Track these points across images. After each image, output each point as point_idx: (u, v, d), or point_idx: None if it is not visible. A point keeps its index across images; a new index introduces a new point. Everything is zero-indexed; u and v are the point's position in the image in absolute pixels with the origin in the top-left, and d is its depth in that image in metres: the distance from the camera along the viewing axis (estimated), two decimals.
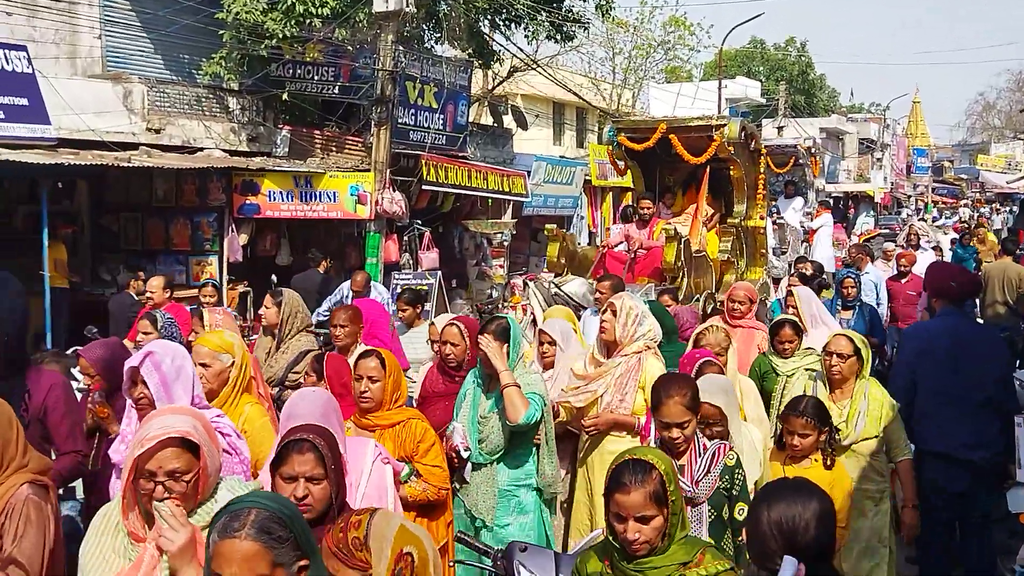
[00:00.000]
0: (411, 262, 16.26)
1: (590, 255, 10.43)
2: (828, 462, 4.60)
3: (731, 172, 10.57)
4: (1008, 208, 35.99)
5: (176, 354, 4.01)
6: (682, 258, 9.10)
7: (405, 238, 16.38)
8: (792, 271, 12.88)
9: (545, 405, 5.05)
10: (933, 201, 49.32)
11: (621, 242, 10.26)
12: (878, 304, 11.37)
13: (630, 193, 12.55)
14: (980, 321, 11.53)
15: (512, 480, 5.09)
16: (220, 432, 3.75)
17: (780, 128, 35.57)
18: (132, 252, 15.18)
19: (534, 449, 5.16)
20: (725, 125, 10.14)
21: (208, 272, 14.58)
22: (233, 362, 4.70)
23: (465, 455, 5.01)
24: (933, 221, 38.45)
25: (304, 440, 3.15)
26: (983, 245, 17.56)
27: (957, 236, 20.38)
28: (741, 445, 4.52)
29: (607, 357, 5.59)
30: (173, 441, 2.95)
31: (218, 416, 3.97)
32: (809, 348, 6.47)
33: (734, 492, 4.08)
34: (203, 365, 4.57)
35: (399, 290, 14.41)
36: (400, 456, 4.37)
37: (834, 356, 5.25)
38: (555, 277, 9.72)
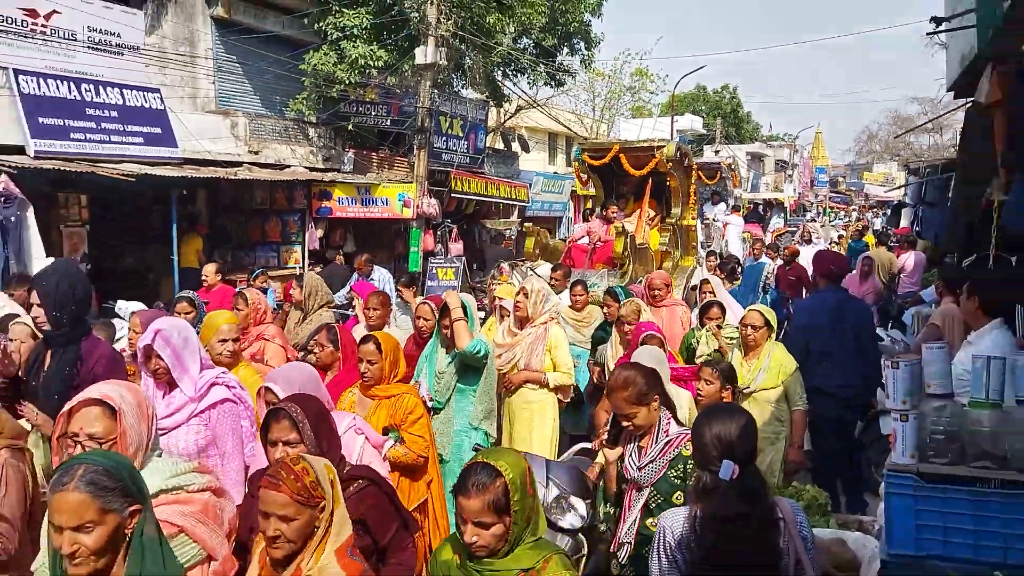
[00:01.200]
0: (443, 251, 16.24)
1: (559, 247, 10.12)
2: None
3: (669, 183, 10.32)
4: (884, 212, 35.77)
5: (181, 327, 3.67)
6: (628, 249, 8.86)
7: (438, 233, 16.35)
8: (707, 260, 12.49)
9: (490, 354, 4.81)
10: (830, 207, 48.98)
11: (583, 237, 10.01)
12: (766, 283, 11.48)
13: (590, 200, 12.25)
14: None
15: (463, 425, 4.81)
16: (227, 385, 3.65)
17: (717, 151, 35.35)
18: (238, 243, 15.24)
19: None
20: (664, 146, 9.89)
21: (294, 258, 14.64)
22: (237, 338, 4.44)
23: (429, 404, 4.71)
24: (829, 221, 38.23)
25: (280, 409, 2.86)
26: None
27: (845, 233, 20.29)
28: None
29: (521, 329, 5.48)
30: (96, 406, 2.56)
31: (223, 372, 3.75)
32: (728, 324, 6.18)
33: (688, 481, 3.15)
34: (231, 340, 4.36)
35: (433, 270, 14.55)
36: (391, 423, 4.00)
37: (748, 327, 5.12)
38: (530, 263, 9.47)
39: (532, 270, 8.99)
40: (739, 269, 12.07)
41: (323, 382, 3.94)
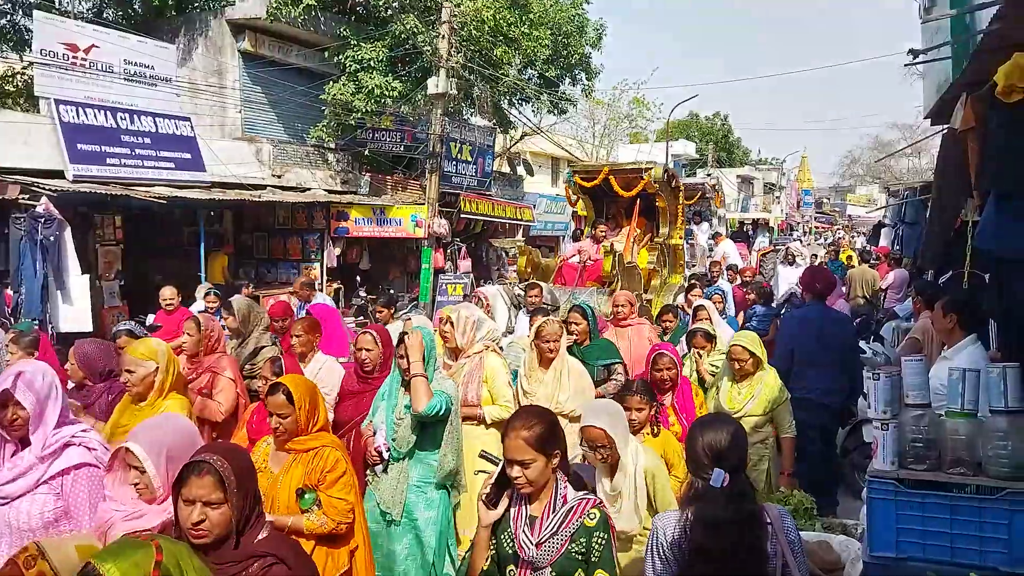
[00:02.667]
0: (452, 268, 16.27)
1: (551, 265, 9.76)
2: (655, 431, 3.95)
3: (658, 203, 10.08)
4: (863, 232, 35.77)
5: (46, 372, 2.95)
6: (616, 268, 8.63)
7: (448, 251, 16.39)
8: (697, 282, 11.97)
9: (453, 405, 3.97)
10: (816, 227, 48.97)
11: (574, 256, 9.72)
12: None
13: (582, 219, 11.86)
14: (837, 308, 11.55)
15: (422, 477, 3.95)
16: (86, 446, 2.92)
17: (708, 174, 35.37)
18: (261, 260, 15.28)
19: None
20: (652, 168, 9.63)
21: (313, 274, 14.66)
22: (157, 367, 3.78)
23: (387, 455, 3.96)
24: (815, 240, 38.18)
25: (204, 463, 2.25)
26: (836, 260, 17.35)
27: (826, 252, 20.05)
28: (627, 465, 3.25)
29: (455, 360, 4.64)
30: None
31: (83, 431, 2.98)
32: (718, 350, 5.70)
33: (592, 558, 2.54)
34: (128, 371, 3.76)
35: (443, 286, 14.56)
36: (307, 483, 3.26)
37: (735, 362, 4.79)
38: (521, 283, 9.12)
39: (521, 289, 8.49)
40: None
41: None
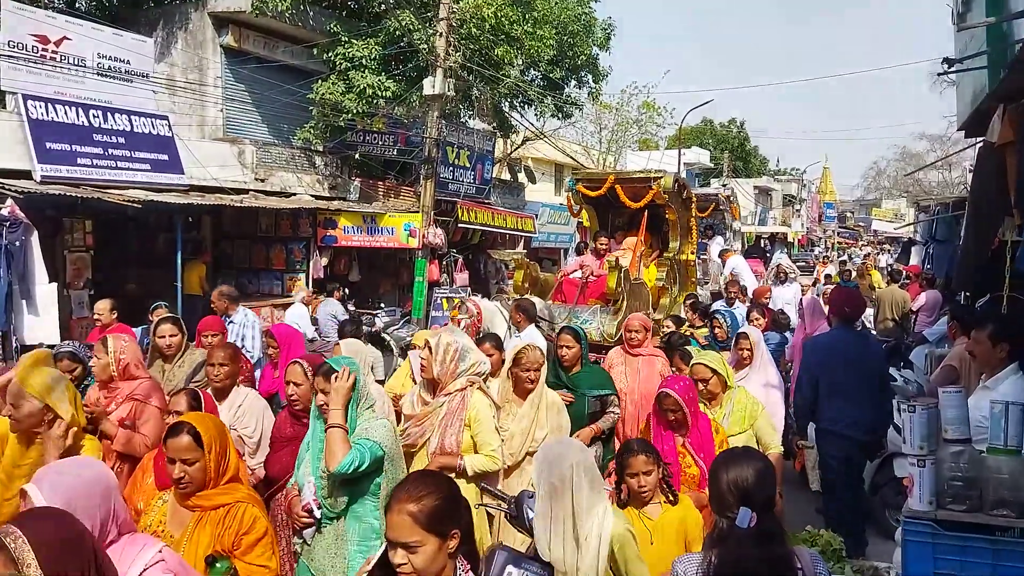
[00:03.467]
0: (448, 281, 16.27)
1: (550, 280, 9.55)
2: (671, 498, 3.49)
3: (667, 215, 9.89)
4: (892, 248, 35.83)
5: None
6: (622, 285, 8.37)
7: (444, 263, 16.39)
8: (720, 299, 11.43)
9: (383, 454, 3.44)
10: (838, 242, 49.14)
11: (576, 270, 9.50)
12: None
13: (588, 231, 11.58)
14: (872, 331, 11.51)
15: (363, 537, 3.45)
16: None
17: (723, 185, 35.51)
18: (242, 269, 15.29)
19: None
20: (662, 178, 9.44)
21: (298, 286, 14.65)
22: (43, 406, 3.42)
23: (318, 514, 3.46)
24: (837, 256, 38.24)
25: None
26: (863, 280, 17.12)
27: (839, 272, 19.76)
28: (589, 534, 2.87)
29: (433, 396, 4.13)
30: None
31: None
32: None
33: None
34: (11, 404, 3.50)
35: (438, 300, 14.56)
36: (219, 549, 2.85)
37: (699, 383, 4.62)
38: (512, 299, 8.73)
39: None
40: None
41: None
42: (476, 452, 4.05)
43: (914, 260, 17.61)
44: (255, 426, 4.53)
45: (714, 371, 4.73)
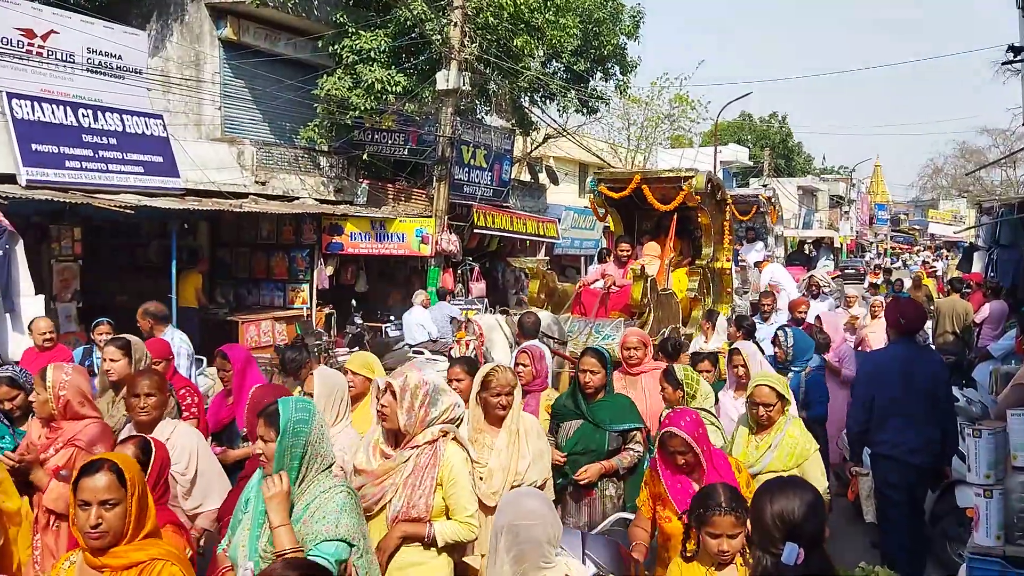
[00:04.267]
0: (463, 291, 16.29)
1: (569, 291, 9.48)
2: (748, 557, 3.06)
3: (700, 219, 9.83)
4: (952, 254, 35.49)
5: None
6: (648, 296, 8.30)
7: (459, 271, 16.42)
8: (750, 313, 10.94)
9: (351, 549, 2.96)
10: (892, 247, 48.80)
11: (597, 280, 9.41)
12: None
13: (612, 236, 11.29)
14: (931, 346, 11.36)
15: None
16: None
17: (764, 185, 35.35)
18: (241, 279, 15.42)
19: None
20: (693, 177, 9.35)
21: (301, 298, 14.74)
22: None
23: None
24: (891, 263, 37.92)
25: None
26: (918, 291, 16.78)
27: (884, 282, 19.30)
28: None
29: (396, 448, 3.62)
30: None
31: None
32: (699, 409, 4.92)
33: None
34: None
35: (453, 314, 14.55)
36: None
37: (760, 407, 4.43)
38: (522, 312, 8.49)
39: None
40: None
41: None
42: (448, 517, 3.59)
43: (976, 267, 17.41)
44: (187, 462, 4.10)
45: (780, 395, 4.45)
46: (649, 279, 8.51)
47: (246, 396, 4.88)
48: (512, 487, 4.05)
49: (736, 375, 5.55)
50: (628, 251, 9.41)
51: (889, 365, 5.59)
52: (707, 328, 8.32)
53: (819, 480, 4.42)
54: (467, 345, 8.91)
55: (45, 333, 7.07)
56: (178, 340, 6.95)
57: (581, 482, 4.69)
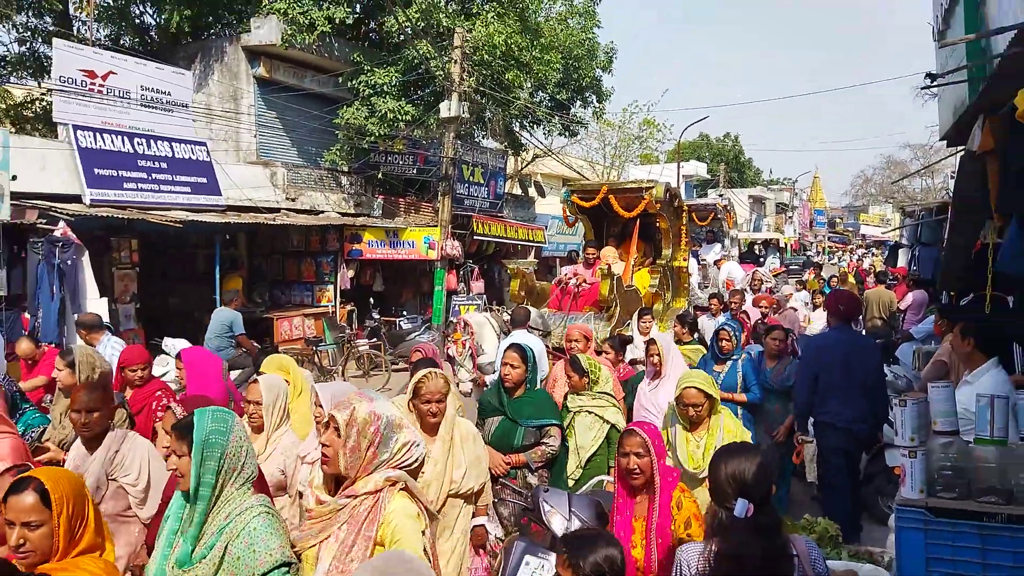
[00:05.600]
0: (465, 289, 16.27)
1: (547, 289, 9.27)
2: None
3: (659, 224, 9.68)
4: (881, 251, 35.56)
5: None
6: (615, 292, 8.13)
7: (461, 272, 16.41)
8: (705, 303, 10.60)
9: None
10: (828, 246, 48.84)
11: (571, 278, 9.19)
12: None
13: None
14: (863, 331, 11.39)
15: None
16: None
17: (721, 195, 35.35)
18: (275, 282, 15.37)
19: None
20: (653, 187, 9.18)
21: (327, 297, 14.72)
22: None
23: None
24: (828, 260, 37.94)
25: None
26: (844, 284, 16.78)
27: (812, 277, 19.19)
28: None
29: (331, 494, 2.55)
30: None
31: None
32: (603, 393, 4.96)
33: None
34: None
35: (456, 307, 14.55)
36: None
37: (690, 408, 4.05)
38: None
39: (510, 314, 7.56)
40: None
41: None
42: None
43: (901, 262, 17.44)
44: (138, 472, 3.52)
45: (708, 395, 4.05)
46: (615, 277, 8.39)
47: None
48: (448, 496, 3.55)
49: (653, 364, 5.29)
50: (594, 254, 9.34)
51: (830, 348, 5.61)
52: (680, 331, 7.71)
53: None
54: (463, 344, 8.51)
55: (23, 354, 6.44)
56: (110, 348, 6.18)
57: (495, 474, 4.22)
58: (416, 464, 2.61)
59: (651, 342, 5.41)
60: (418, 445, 2.63)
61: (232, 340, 9.48)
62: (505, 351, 4.54)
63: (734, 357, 6.09)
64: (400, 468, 2.54)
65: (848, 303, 5.88)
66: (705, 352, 6.58)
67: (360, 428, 2.48)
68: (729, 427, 4.13)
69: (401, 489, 2.51)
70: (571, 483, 4.66)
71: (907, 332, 10.27)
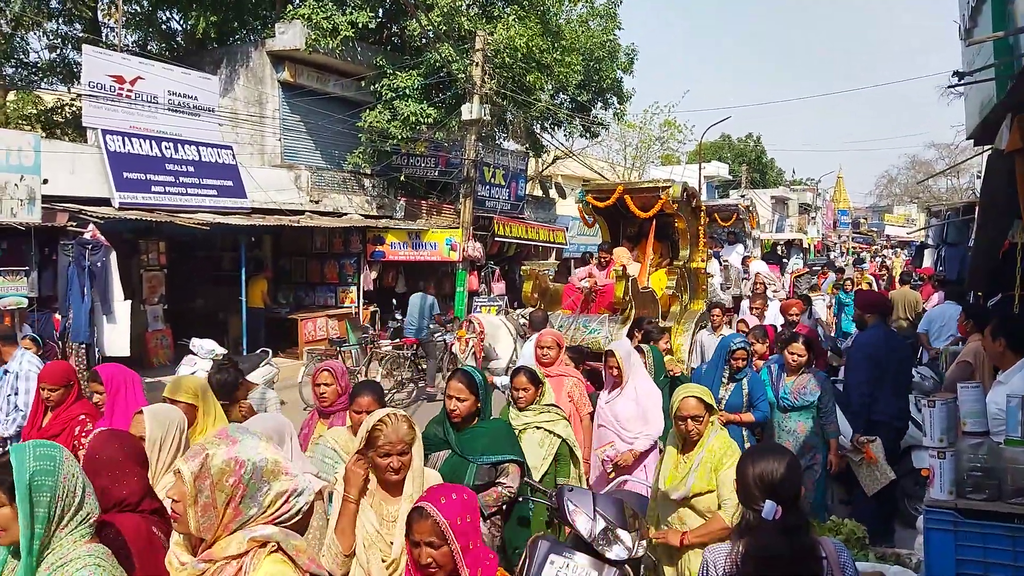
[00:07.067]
0: (486, 290, 16.28)
1: (560, 290, 9.08)
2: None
3: (677, 224, 9.48)
4: (906, 251, 35.08)
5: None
6: (630, 293, 7.91)
7: (482, 274, 16.44)
8: (731, 304, 10.40)
9: None
10: (853, 247, 48.29)
11: (585, 279, 9.07)
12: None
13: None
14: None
15: None
16: None
17: (743, 196, 35.08)
18: (299, 283, 15.51)
19: None
20: (670, 187, 8.97)
21: (350, 298, 14.81)
22: None
23: None
24: (853, 260, 37.45)
25: None
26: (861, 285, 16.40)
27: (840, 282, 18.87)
28: None
29: (195, 555, 2.04)
30: None
31: None
32: (549, 405, 4.40)
33: None
34: None
35: (477, 308, 14.56)
36: None
37: (688, 421, 3.53)
38: (525, 309, 8.20)
39: (524, 316, 7.24)
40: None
41: None
42: None
43: (927, 263, 17.21)
44: None
45: (707, 406, 3.57)
46: (630, 279, 8.19)
47: (119, 421, 3.70)
48: None
49: (612, 375, 4.97)
50: (608, 256, 9.23)
51: (878, 345, 5.56)
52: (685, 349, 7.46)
53: (728, 497, 3.36)
54: (467, 343, 8.57)
55: None
56: (27, 364, 5.64)
57: None
58: (299, 516, 2.10)
59: (610, 353, 5.01)
60: (300, 494, 2.08)
61: (432, 320, 11.32)
62: (448, 381, 3.74)
63: (740, 376, 5.57)
64: (277, 523, 2.03)
65: (879, 299, 5.87)
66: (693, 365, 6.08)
67: (215, 480, 1.95)
68: (713, 448, 3.51)
69: (274, 551, 1.98)
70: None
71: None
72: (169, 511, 2.05)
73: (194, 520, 1.95)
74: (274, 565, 1.96)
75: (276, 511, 2.02)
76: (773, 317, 9.33)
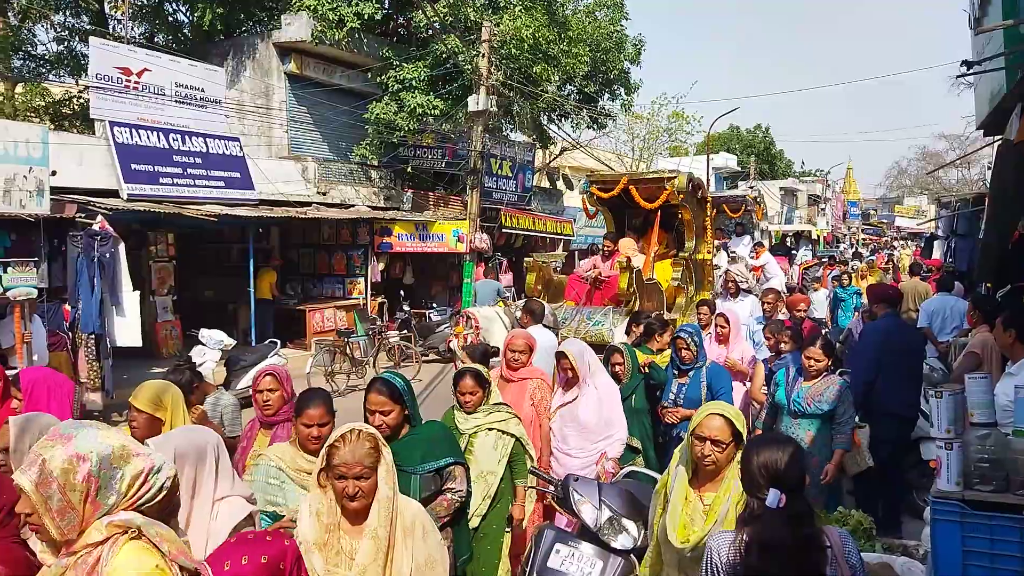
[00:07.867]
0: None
1: (563, 282, 9.00)
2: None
3: (682, 215, 9.33)
4: (915, 243, 34.89)
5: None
6: (634, 285, 7.79)
7: (489, 265, 16.42)
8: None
9: None
10: (863, 239, 48.03)
11: (589, 270, 8.93)
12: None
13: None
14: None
15: None
16: None
17: (751, 187, 34.91)
18: (307, 275, 15.54)
19: None
20: (675, 177, 8.86)
21: (358, 289, 14.83)
22: None
23: None
24: (861, 255, 37.27)
25: None
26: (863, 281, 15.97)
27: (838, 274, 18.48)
28: None
29: (57, 554, 1.89)
30: None
31: None
32: (497, 404, 4.20)
33: None
34: None
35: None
36: None
37: (708, 443, 2.82)
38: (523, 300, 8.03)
39: (520, 308, 7.13)
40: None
41: None
42: None
43: (936, 254, 17.12)
44: None
45: (736, 432, 2.86)
46: (635, 270, 8.09)
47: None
48: None
49: (566, 376, 4.78)
50: (611, 247, 9.10)
51: (889, 334, 5.56)
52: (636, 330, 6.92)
53: None
54: (465, 339, 8.43)
55: None
56: None
57: None
58: (164, 493, 1.95)
59: (562, 354, 4.78)
60: (158, 471, 1.95)
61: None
62: (367, 394, 3.32)
63: (698, 365, 5.31)
64: (140, 508, 1.90)
65: (888, 290, 5.85)
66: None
67: (62, 483, 1.82)
68: (738, 493, 2.75)
69: (134, 537, 1.85)
70: (476, 520, 3.90)
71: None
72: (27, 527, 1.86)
73: (54, 527, 1.82)
74: (133, 552, 1.83)
75: (136, 493, 1.90)
76: (747, 315, 8.76)
